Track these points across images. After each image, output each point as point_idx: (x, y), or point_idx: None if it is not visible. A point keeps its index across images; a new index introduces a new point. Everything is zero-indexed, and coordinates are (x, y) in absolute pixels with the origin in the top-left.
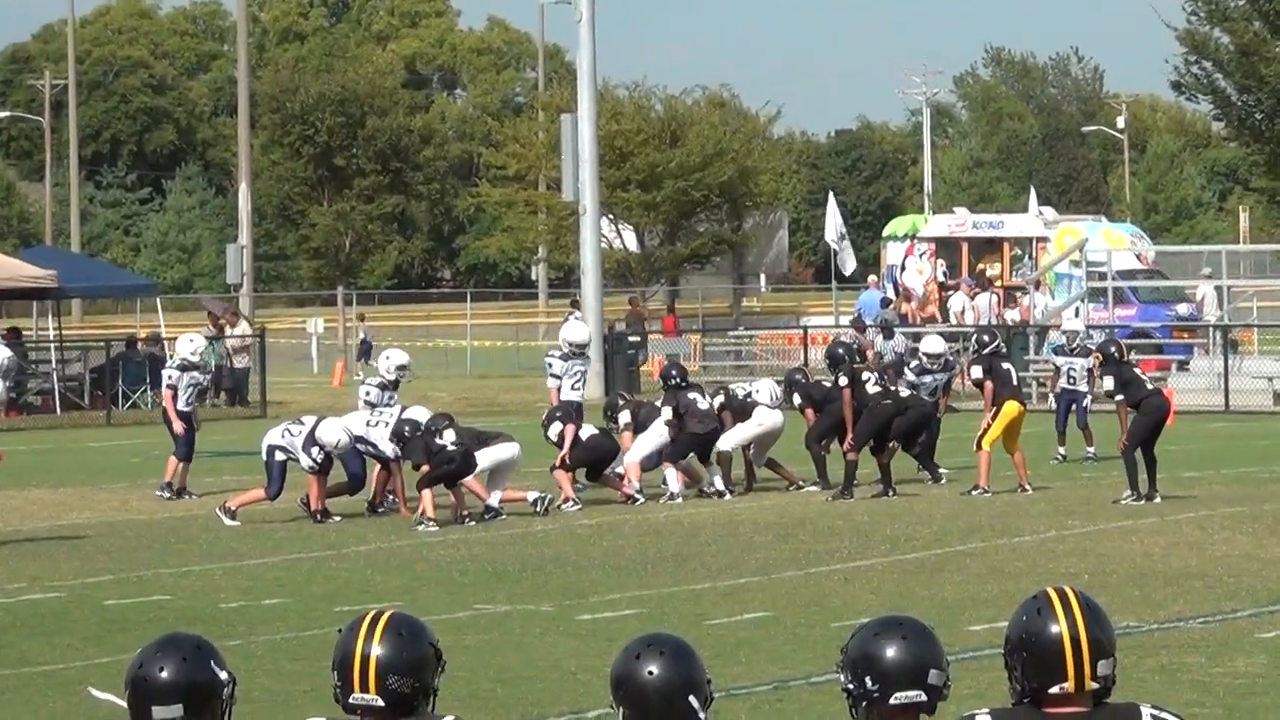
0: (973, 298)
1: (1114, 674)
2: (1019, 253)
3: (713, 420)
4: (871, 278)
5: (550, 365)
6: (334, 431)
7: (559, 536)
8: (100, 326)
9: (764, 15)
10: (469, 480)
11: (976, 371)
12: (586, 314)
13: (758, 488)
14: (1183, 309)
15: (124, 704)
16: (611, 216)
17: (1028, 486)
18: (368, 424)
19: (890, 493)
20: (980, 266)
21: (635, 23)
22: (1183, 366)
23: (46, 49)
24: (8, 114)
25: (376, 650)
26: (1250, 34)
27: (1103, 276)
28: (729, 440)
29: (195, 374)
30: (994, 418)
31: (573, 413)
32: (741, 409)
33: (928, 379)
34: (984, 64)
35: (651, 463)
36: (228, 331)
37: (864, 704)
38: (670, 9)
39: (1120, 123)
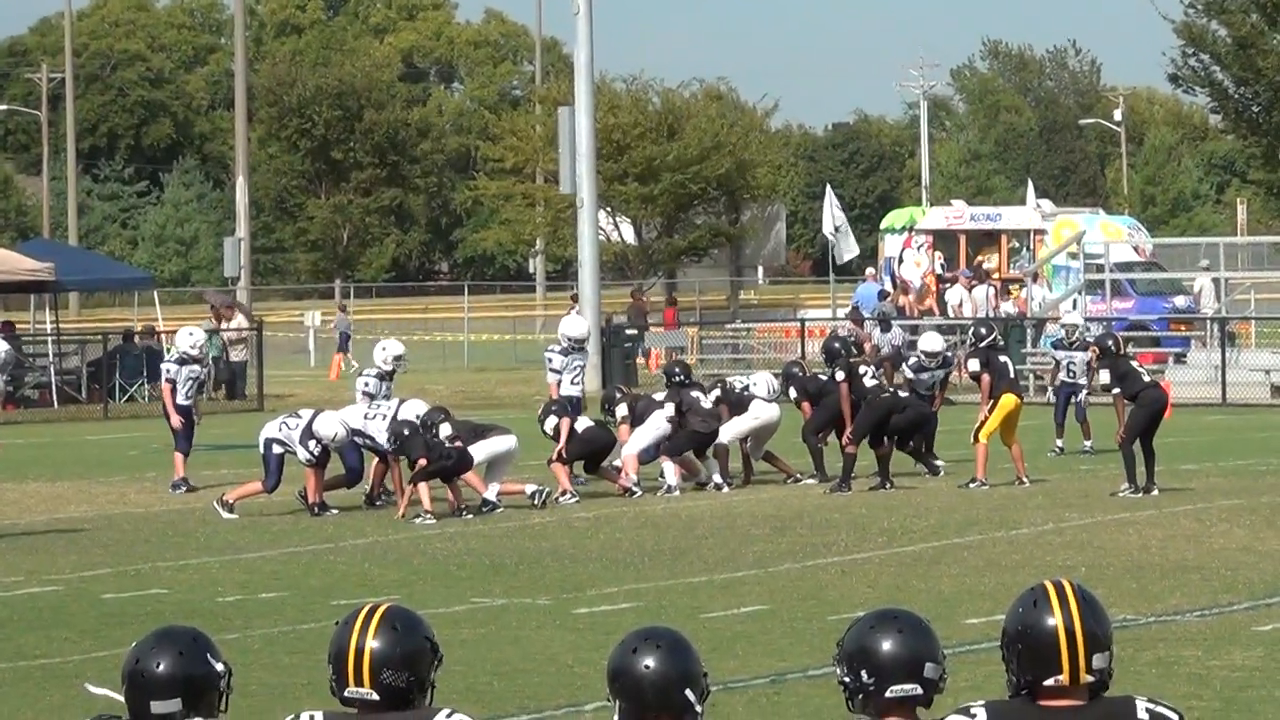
0: (970, 290)
1: (1110, 667)
2: (1016, 245)
3: (716, 420)
4: (869, 270)
5: (550, 360)
6: (331, 425)
7: (556, 529)
8: (97, 320)
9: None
10: (467, 474)
11: (974, 364)
12: (584, 307)
13: (755, 481)
14: (1180, 301)
15: (121, 699)
16: (609, 209)
17: (1025, 479)
18: (365, 417)
19: (887, 485)
20: (978, 259)
21: (633, 16)
22: (1180, 359)
23: (43, 42)
24: (5, 107)
25: (371, 644)
26: (1247, 26)
27: (1100, 269)
28: (726, 434)
29: (194, 367)
30: (991, 410)
31: (569, 407)
32: (738, 402)
33: (925, 376)
34: (981, 57)
35: (649, 456)
36: (222, 325)
37: (860, 697)
38: (668, 2)
39: (1118, 115)
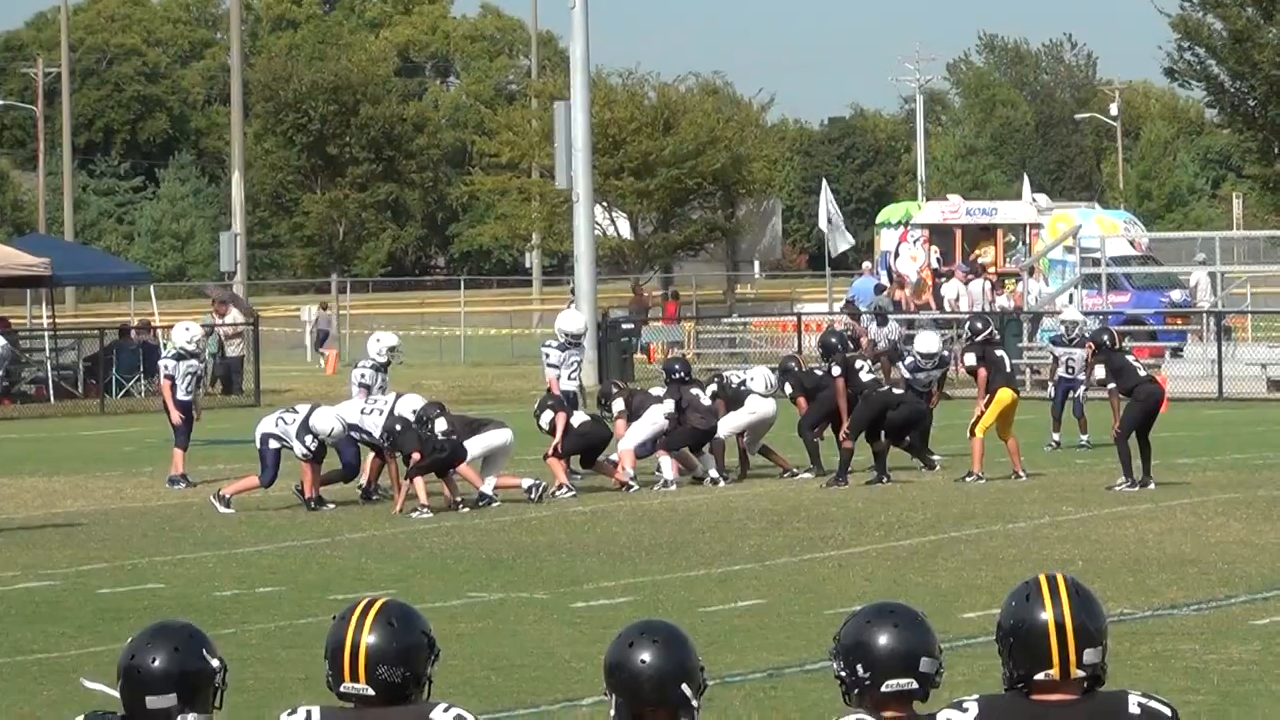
0: (967, 283)
1: (1103, 662)
2: (1013, 240)
3: (714, 417)
4: (865, 264)
5: (548, 355)
6: (328, 420)
7: (553, 524)
8: (94, 315)
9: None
10: (463, 468)
11: (970, 359)
12: (580, 301)
13: (751, 475)
14: (1177, 295)
15: (116, 694)
16: (605, 204)
17: (1022, 473)
18: (362, 412)
19: (884, 479)
20: (974, 254)
21: (628, 10)
22: (1176, 353)
23: (39, 37)
24: (1, 103)
25: (366, 639)
26: (1243, 20)
27: (1096, 263)
28: (722, 428)
29: (192, 362)
30: (987, 405)
31: (565, 401)
32: (734, 397)
33: (921, 375)
34: (977, 51)
35: (645, 450)
36: (216, 320)
37: (856, 691)
38: None
39: (1113, 109)
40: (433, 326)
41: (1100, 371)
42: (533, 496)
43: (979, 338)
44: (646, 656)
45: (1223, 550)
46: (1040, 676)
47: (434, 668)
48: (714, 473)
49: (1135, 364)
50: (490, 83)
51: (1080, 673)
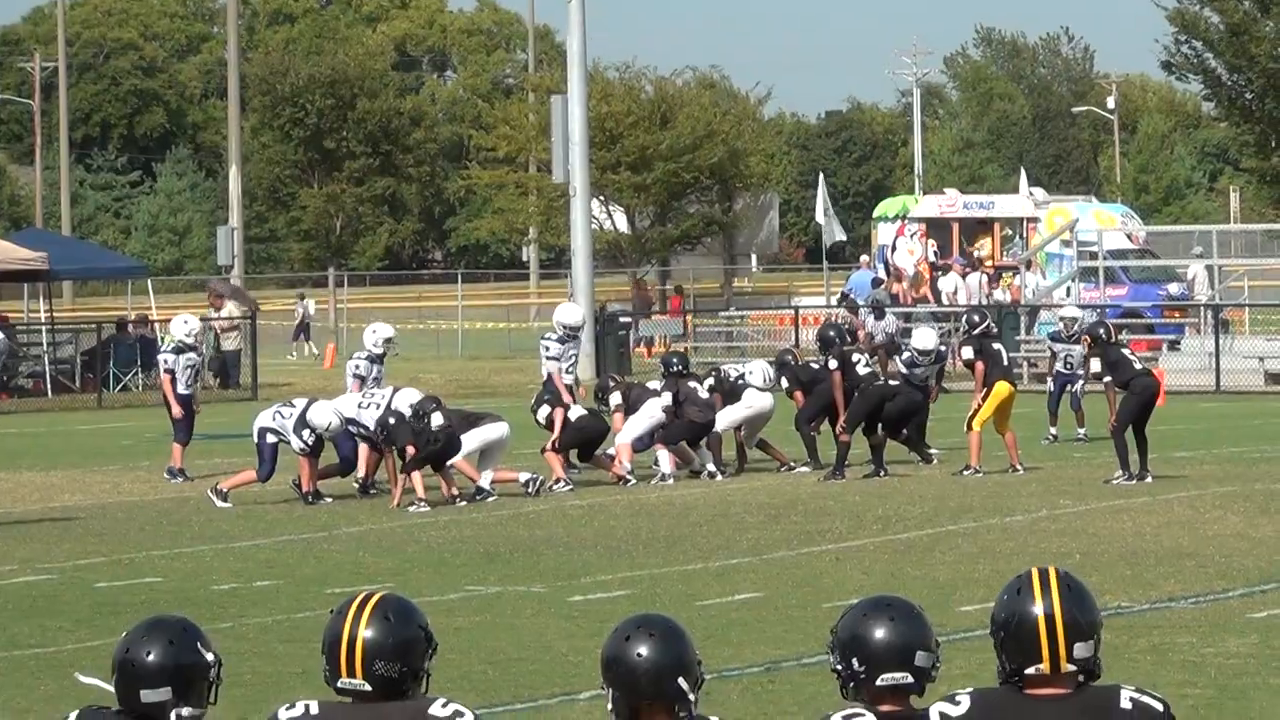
0: (964, 277)
1: (1096, 657)
2: (1010, 233)
3: (712, 411)
4: (863, 258)
5: (548, 348)
6: (325, 414)
7: (550, 517)
8: (91, 309)
9: None
10: (460, 462)
11: (967, 352)
12: (577, 295)
13: (749, 469)
14: (1174, 289)
15: (110, 689)
16: (602, 198)
17: (1019, 467)
18: (359, 406)
19: (882, 473)
20: (974, 247)
21: (626, 4)
22: (1174, 346)
23: (36, 31)
24: None
25: (363, 634)
26: (1240, 13)
27: (1094, 256)
28: (720, 422)
29: (191, 355)
30: (985, 398)
31: (564, 395)
32: (732, 391)
33: (918, 370)
34: (974, 44)
35: (643, 444)
36: (211, 314)
37: (852, 685)
38: None
39: (1111, 103)
40: (430, 320)
41: (1096, 365)
42: (530, 490)
43: (976, 331)
44: (643, 650)
45: (1220, 543)
46: (1031, 670)
47: (431, 662)
48: (711, 466)
49: (1131, 357)
50: (487, 77)
51: (1071, 667)
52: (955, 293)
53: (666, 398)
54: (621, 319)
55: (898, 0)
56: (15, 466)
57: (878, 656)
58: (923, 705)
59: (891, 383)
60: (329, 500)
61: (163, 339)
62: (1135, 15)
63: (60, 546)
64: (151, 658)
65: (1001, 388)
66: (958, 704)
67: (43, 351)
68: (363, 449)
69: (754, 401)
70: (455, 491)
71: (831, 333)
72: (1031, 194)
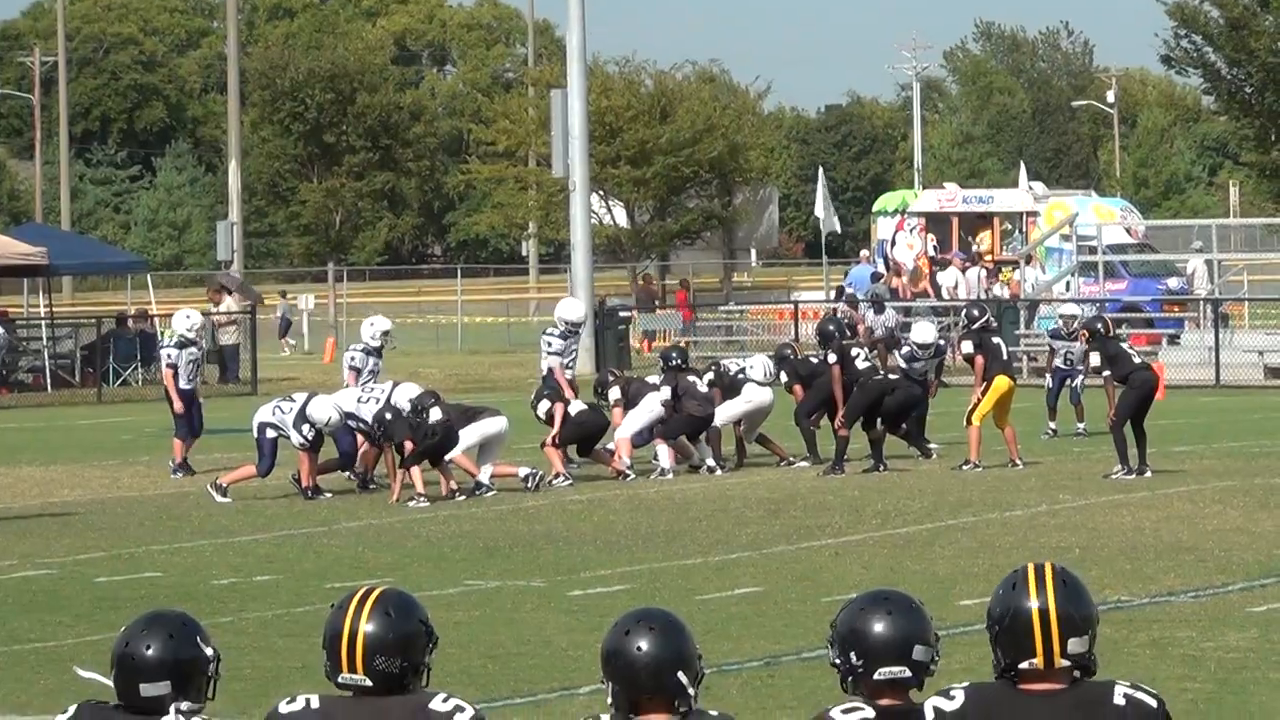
0: (964, 271)
1: (1090, 652)
2: (1009, 227)
3: (711, 405)
4: (863, 252)
5: (550, 344)
6: (325, 409)
7: (550, 512)
8: (91, 304)
9: None
10: (459, 456)
11: (967, 347)
12: (577, 289)
13: (748, 463)
14: (1173, 283)
15: (109, 683)
16: (601, 192)
17: (1019, 461)
18: (359, 400)
19: (881, 468)
20: (975, 241)
21: None
22: (1173, 340)
23: (36, 26)
24: None
25: (364, 628)
26: (1240, 7)
27: (1093, 251)
28: (719, 417)
29: (194, 350)
30: (984, 393)
31: (564, 390)
32: (731, 385)
33: (918, 364)
34: (974, 38)
35: (642, 439)
36: (211, 309)
37: (850, 679)
38: None
39: (1110, 97)
40: (429, 315)
41: (1096, 359)
42: (529, 485)
43: (976, 325)
44: (643, 644)
45: (1220, 538)
46: (1025, 665)
47: (432, 656)
48: (711, 461)
49: (1130, 351)
50: (487, 71)
51: (1065, 662)
52: (955, 287)
53: (665, 392)
54: (621, 314)
55: None
56: (15, 461)
57: (876, 650)
58: (922, 699)
59: (891, 377)
60: (328, 495)
61: (163, 334)
62: (1135, 9)
63: (60, 541)
64: (151, 652)
65: (1001, 382)
66: (952, 699)
67: (42, 346)
68: (362, 444)
69: (753, 396)
70: (454, 486)
71: (831, 327)
72: (1031, 188)
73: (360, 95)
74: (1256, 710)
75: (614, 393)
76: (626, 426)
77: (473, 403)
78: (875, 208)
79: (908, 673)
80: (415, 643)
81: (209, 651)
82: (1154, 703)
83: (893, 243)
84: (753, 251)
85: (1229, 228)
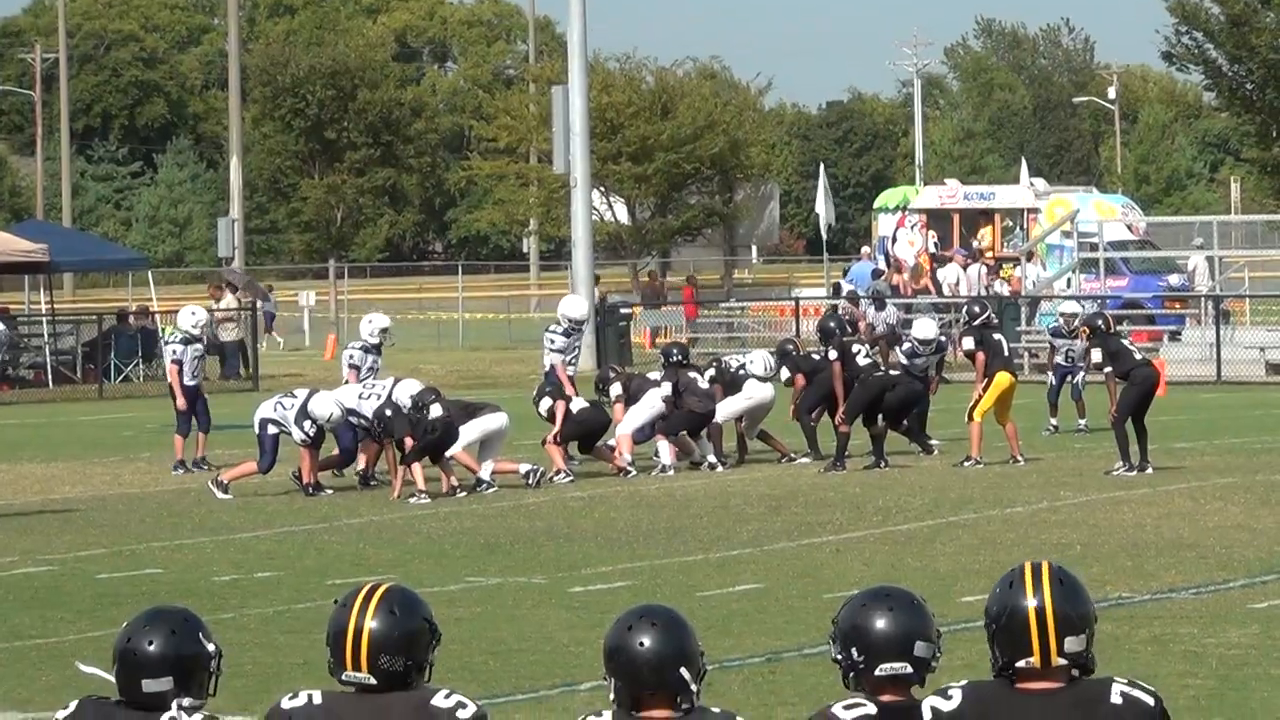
0: (965, 268)
1: (1087, 651)
2: (1010, 224)
3: (712, 401)
4: (864, 249)
5: (553, 341)
6: (326, 405)
7: (550, 509)
8: (92, 300)
9: None
10: (459, 453)
11: (968, 343)
12: (577, 286)
13: (749, 460)
14: (1174, 279)
15: (111, 678)
16: (602, 189)
17: (1020, 458)
18: (360, 397)
19: (882, 464)
20: (978, 238)
21: None
22: (1174, 337)
23: (37, 23)
24: None
25: (369, 625)
26: (1240, 4)
27: (1094, 247)
28: (720, 413)
29: (199, 346)
30: (985, 389)
31: (565, 388)
32: (732, 382)
33: (919, 360)
34: (975, 35)
35: (643, 435)
36: (211, 305)
37: (852, 675)
38: None
39: (1111, 93)
40: (430, 311)
41: (1097, 355)
42: (530, 482)
43: (977, 322)
44: (646, 640)
45: (1221, 534)
46: (1022, 663)
47: (435, 653)
48: (712, 458)
49: (1131, 348)
50: (488, 67)
51: (1062, 660)
52: (957, 284)
53: (666, 388)
54: (622, 310)
55: None
56: (16, 458)
57: (877, 646)
58: (923, 696)
59: (892, 373)
60: (329, 492)
61: (164, 330)
62: (1135, 6)
63: (61, 538)
64: (153, 647)
65: (1002, 378)
66: (949, 698)
67: (44, 343)
68: (363, 440)
69: (754, 393)
70: (455, 483)
71: (832, 324)
72: (1032, 185)
73: (361, 92)
74: (1258, 706)
75: (615, 389)
76: (628, 423)
77: (474, 399)
78: (876, 204)
79: (909, 669)
80: (419, 640)
81: (211, 647)
82: (1151, 700)
83: (894, 239)
84: (754, 248)
85: (1230, 224)
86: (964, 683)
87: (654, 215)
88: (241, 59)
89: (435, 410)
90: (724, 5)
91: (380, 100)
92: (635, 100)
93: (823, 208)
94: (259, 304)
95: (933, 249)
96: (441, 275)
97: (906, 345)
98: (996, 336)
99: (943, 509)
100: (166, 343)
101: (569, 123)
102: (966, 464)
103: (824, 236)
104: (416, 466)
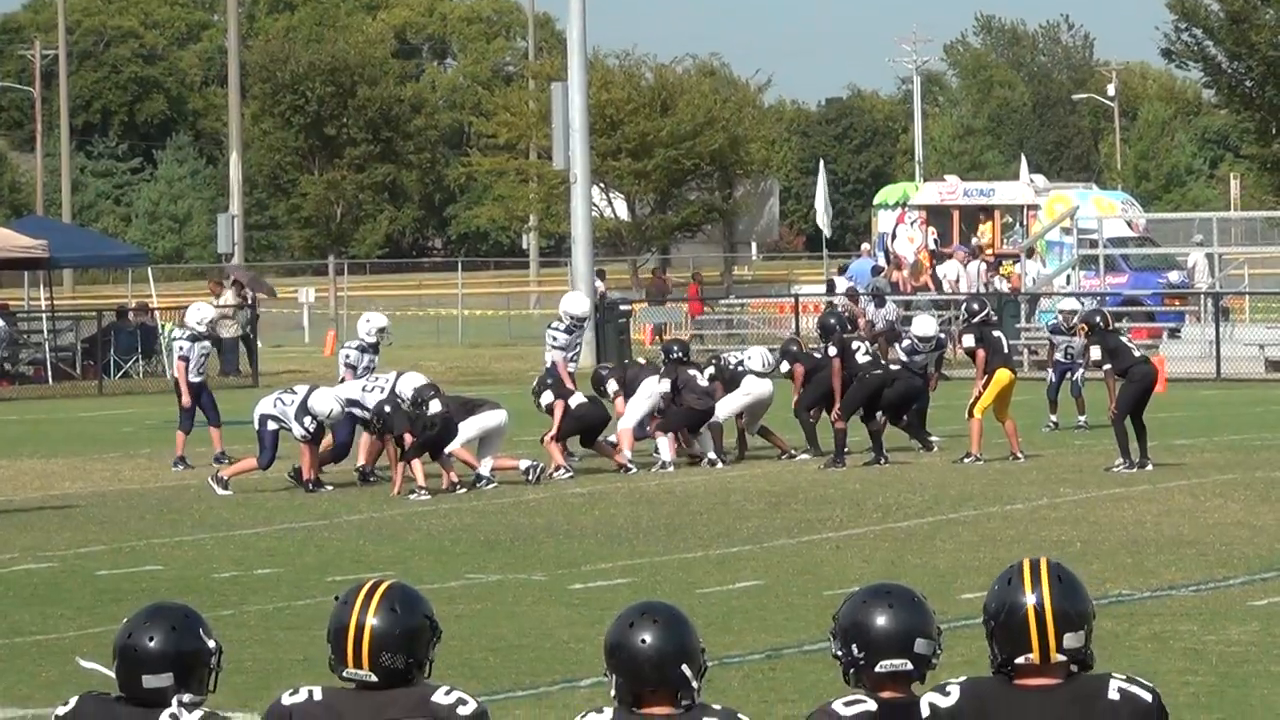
0: (965, 264)
1: (1086, 647)
2: (1010, 220)
3: (711, 399)
4: (864, 245)
5: (555, 338)
6: (327, 401)
7: (550, 505)
8: (92, 296)
9: None
10: (458, 450)
11: (968, 340)
12: (577, 282)
13: (749, 456)
14: (1174, 276)
15: (111, 674)
16: (602, 185)
17: (1020, 454)
18: (363, 389)
19: (882, 461)
20: (978, 235)
21: None
22: (1174, 334)
23: (37, 19)
24: None
25: (370, 623)
26: (1240, 1)
27: (1094, 244)
28: (721, 410)
29: (206, 344)
30: (985, 386)
31: (565, 384)
32: (732, 379)
33: (918, 358)
34: (974, 32)
35: (641, 432)
36: (213, 301)
37: (853, 671)
38: None
39: (1111, 90)
40: (430, 308)
41: (1095, 353)
42: (530, 478)
43: (976, 319)
44: (647, 637)
45: (1221, 531)
46: (1021, 660)
47: (435, 650)
48: (712, 454)
49: (1129, 345)
50: (488, 64)
51: (1061, 657)
52: (957, 281)
53: (665, 385)
54: (621, 307)
55: None
56: (16, 454)
57: (877, 643)
58: (923, 692)
59: (892, 368)
60: (329, 488)
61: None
62: (1135, 3)
63: (61, 534)
64: (154, 643)
65: (1002, 375)
66: (948, 694)
67: (43, 339)
68: (365, 437)
69: (752, 388)
70: (455, 479)
71: (832, 320)
72: (1032, 181)
73: (361, 88)
74: (1258, 703)
75: (611, 385)
76: (629, 416)
77: (473, 395)
78: (876, 201)
79: (909, 666)
80: (420, 638)
81: (211, 644)
82: (1149, 696)
83: (893, 236)
84: (753, 244)
85: (1230, 221)
86: (962, 679)
87: (654, 211)
88: (241, 55)
89: (434, 406)
90: (724, 2)
91: (380, 96)
92: (635, 97)
93: (822, 217)
94: (248, 296)
95: (932, 246)
96: (441, 272)
97: (906, 342)
98: (995, 333)
99: (943, 506)
100: (174, 339)
101: (569, 119)
102: (966, 460)
103: (827, 232)
104: (416, 463)
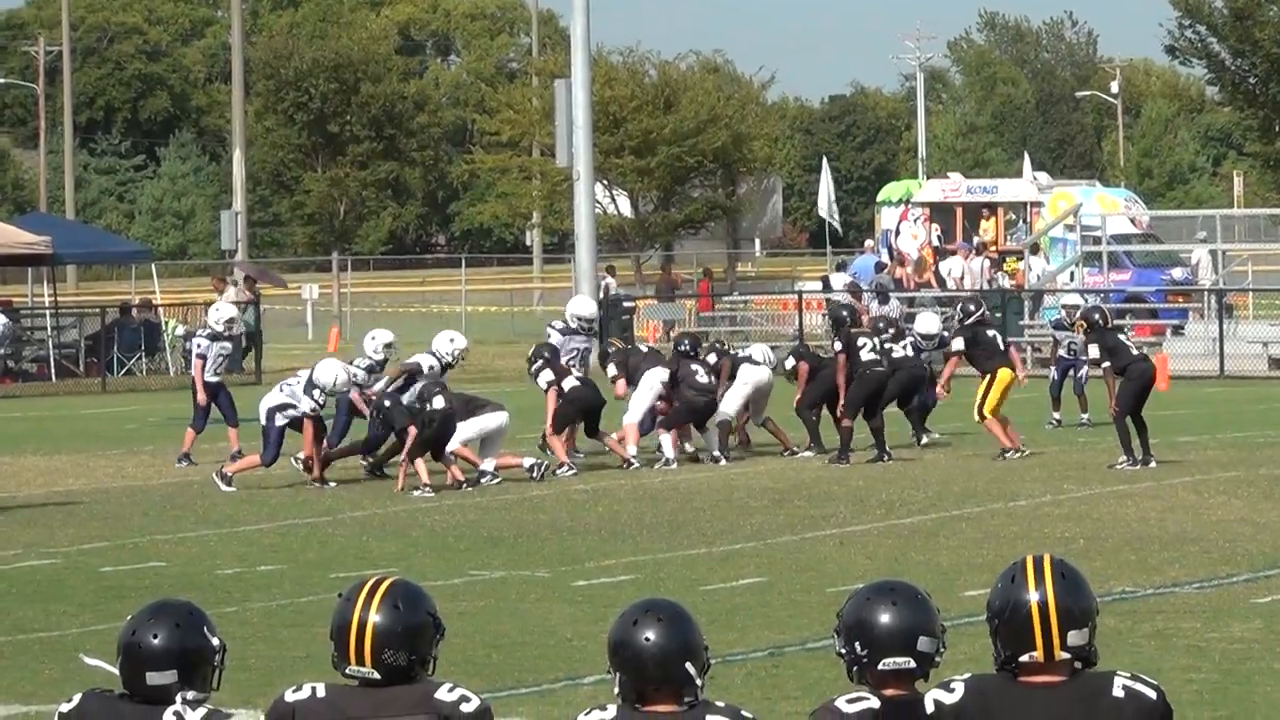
0: (968, 261)
1: (1090, 644)
2: (1013, 217)
3: (710, 394)
4: (867, 242)
5: (549, 336)
6: (331, 371)
7: (554, 502)
8: (95, 293)
9: None
10: (461, 449)
11: (958, 343)
12: (580, 280)
13: (752, 453)
14: (1178, 273)
15: (115, 671)
16: (605, 182)
17: (1020, 450)
18: (369, 372)
19: (886, 458)
20: (982, 232)
21: None
22: (1178, 331)
23: (41, 15)
24: (2, 81)
25: (373, 619)
26: None
27: (1097, 241)
28: (727, 406)
29: (226, 344)
30: (988, 387)
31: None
32: (733, 364)
33: (922, 355)
34: (978, 29)
35: (647, 427)
36: (217, 298)
37: (856, 669)
38: None
39: (1114, 87)
40: (433, 304)
41: (1094, 350)
42: (534, 475)
43: (970, 320)
44: (651, 634)
45: (1224, 528)
46: (1025, 658)
47: (438, 647)
48: (716, 451)
49: (1128, 342)
50: (491, 61)
51: (1065, 654)
52: (961, 278)
53: (665, 372)
54: (624, 304)
55: None
56: (19, 450)
57: (881, 641)
58: (927, 689)
59: (896, 354)
60: (333, 485)
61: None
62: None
63: (64, 531)
64: (158, 641)
65: (1004, 374)
66: (952, 691)
67: (47, 336)
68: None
69: (750, 377)
70: (460, 477)
71: (844, 312)
72: (1035, 178)
73: (364, 85)
74: (1261, 700)
75: (611, 369)
76: (633, 410)
77: (476, 393)
78: (879, 198)
79: (913, 663)
80: (423, 635)
81: (215, 641)
82: (1153, 694)
83: (897, 233)
84: (757, 241)
85: (1233, 218)
86: (967, 676)
87: (657, 209)
88: (245, 52)
89: (438, 402)
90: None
91: (383, 93)
92: (638, 94)
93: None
94: (257, 290)
95: (936, 243)
96: (444, 268)
97: (909, 339)
98: (990, 333)
99: (946, 503)
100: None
101: (572, 116)
102: (1008, 455)
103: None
104: (420, 462)
